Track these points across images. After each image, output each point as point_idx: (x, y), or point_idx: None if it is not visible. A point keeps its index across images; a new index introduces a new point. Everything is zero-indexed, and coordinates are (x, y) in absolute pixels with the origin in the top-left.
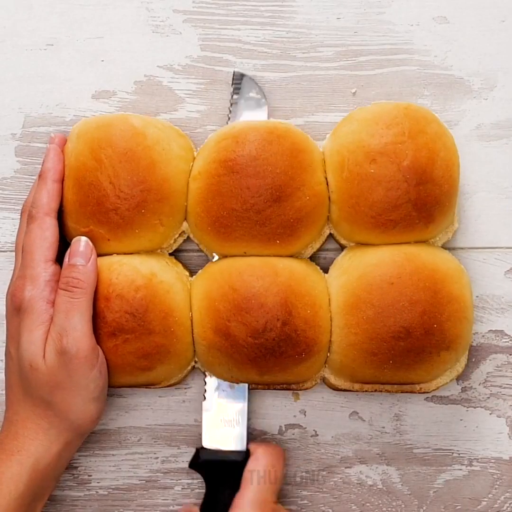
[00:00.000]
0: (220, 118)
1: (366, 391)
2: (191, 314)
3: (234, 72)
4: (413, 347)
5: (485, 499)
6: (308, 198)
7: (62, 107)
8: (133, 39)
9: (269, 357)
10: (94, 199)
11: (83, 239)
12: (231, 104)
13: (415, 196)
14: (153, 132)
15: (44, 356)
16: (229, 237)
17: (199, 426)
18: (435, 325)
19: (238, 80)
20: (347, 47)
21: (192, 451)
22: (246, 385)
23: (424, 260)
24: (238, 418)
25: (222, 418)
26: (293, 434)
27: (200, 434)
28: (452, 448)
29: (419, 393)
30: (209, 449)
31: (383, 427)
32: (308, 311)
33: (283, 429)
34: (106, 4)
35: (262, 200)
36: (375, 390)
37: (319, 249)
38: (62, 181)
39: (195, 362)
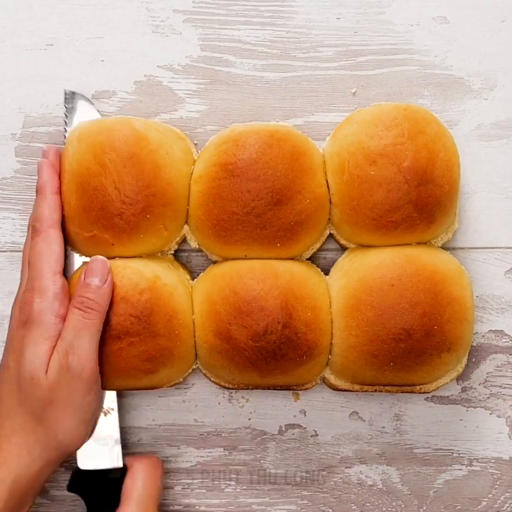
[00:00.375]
0: (220, 118)
1: (366, 391)
2: (193, 317)
3: (64, 90)
4: (414, 349)
5: (485, 499)
6: (308, 201)
7: (62, 107)
8: (133, 39)
9: (270, 360)
10: (99, 204)
11: (101, 258)
12: (66, 123)
13: (416, 197)
14: (155, 136)
15: (47, 371)
16: (230, 240)
17: (199, 426)
18: (436, 327)
19: (70, 98)
20: (347, 47)
21: (191, 451)
22: (116, 404)
23: (424, 262)
24: (111, 435)
25: (95, 437)
26: (293, 434)
27: (200, 434)
28: (452, 448)
29: (419, 393)
30: (86, 470)
31: (383, 427)
32: (309, 314)
33: (283, 429)
34: (106, 4)
35: (262, 204)
36: (375, 390)
37: (319, 249)
38: (60, 192)
39: (196, 364)
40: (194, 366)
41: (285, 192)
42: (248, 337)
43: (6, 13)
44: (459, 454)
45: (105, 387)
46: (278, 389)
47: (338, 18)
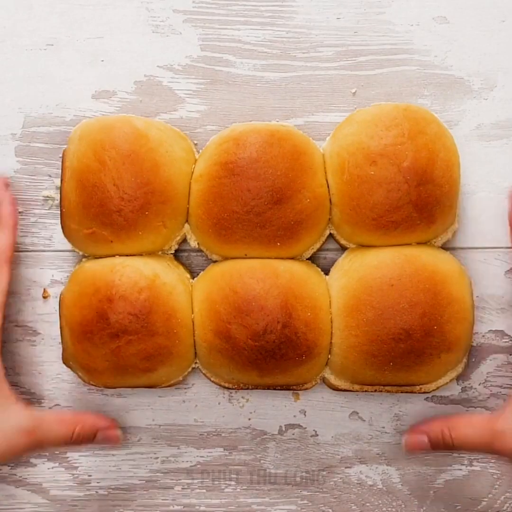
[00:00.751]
0: (220, 118)
1: (366, 391)
2: (193, 316)
3: None
4: (413, 349)
5: (485, 499)
6: (308, 200)
7: (62, 107)
8: (133, 39)
9: (270, 359)
10: (98, 201)
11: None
12: None
13: (416, 197)
14: (156, 134)
15: None
16: (230, 239)
17: (199, 426)
18: (435, 327)
19: None
20: (347, 47)
21: (191, 451)
22: None
23: (424, 262)
24: None
25: None
26: (293, 434)
27: (200, 434)
28: None
29: (419, 393)
30: None
31: (383, 427)
32: (309, 314)
33: (283, 429)
34: (106, 4)
35: (262, 202)
36: (375, 390)
37: (319, 249)
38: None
39: (196, 363)
40: (193, 365)
41: (285, 191)
42: (247, 337)
43: (6, 13)
44: (459, 454)
45: (104, 385)
46: (278, 389)
47: (338, 18)
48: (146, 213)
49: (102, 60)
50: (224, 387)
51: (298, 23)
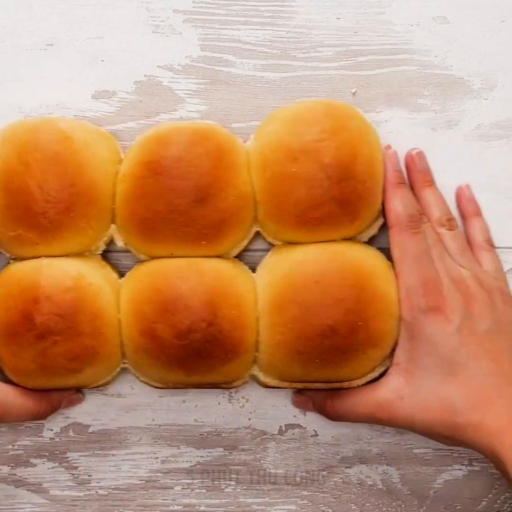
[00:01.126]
0: (220, 118)
1: (295, 388)
2: (119, 316)
3: None
4: (339, 345)
5: (485, 499)
6: (233, 198)
7: (62, 107)
8: (133, 39)
9: (195, 358)
10: (23, 203)
11: None
12: None
13: (338, 193)
14: (81, 136)
15: None
16: (155, 238)
17: (199, 426)
18: (360, 323)
19: None
20: (347, 47)
21: (191, 451)
22: None
23: (349, 258)
24: None
25: None
26: (293, 434)
27: (200, 434)
28: (452, 448)
29: (348, 388)
30: None
31: (383, 427)
32: (234, 312)
33: (283, 429)
34: (106, 4)
35: (186, 201)
36: (305, 387)
37: (248, 249)
38: None
39: (124, 363)
40: (122, 365)
41: (209, 189)
42: (172, 336)
43: (6, 13)
44: (459, 454)
45: (32, 386)
46: (208, 388)
47: (338, 18)
48: (71, 214)
49: (102, 60)
50: (155, 387)
51: (298, 23)
